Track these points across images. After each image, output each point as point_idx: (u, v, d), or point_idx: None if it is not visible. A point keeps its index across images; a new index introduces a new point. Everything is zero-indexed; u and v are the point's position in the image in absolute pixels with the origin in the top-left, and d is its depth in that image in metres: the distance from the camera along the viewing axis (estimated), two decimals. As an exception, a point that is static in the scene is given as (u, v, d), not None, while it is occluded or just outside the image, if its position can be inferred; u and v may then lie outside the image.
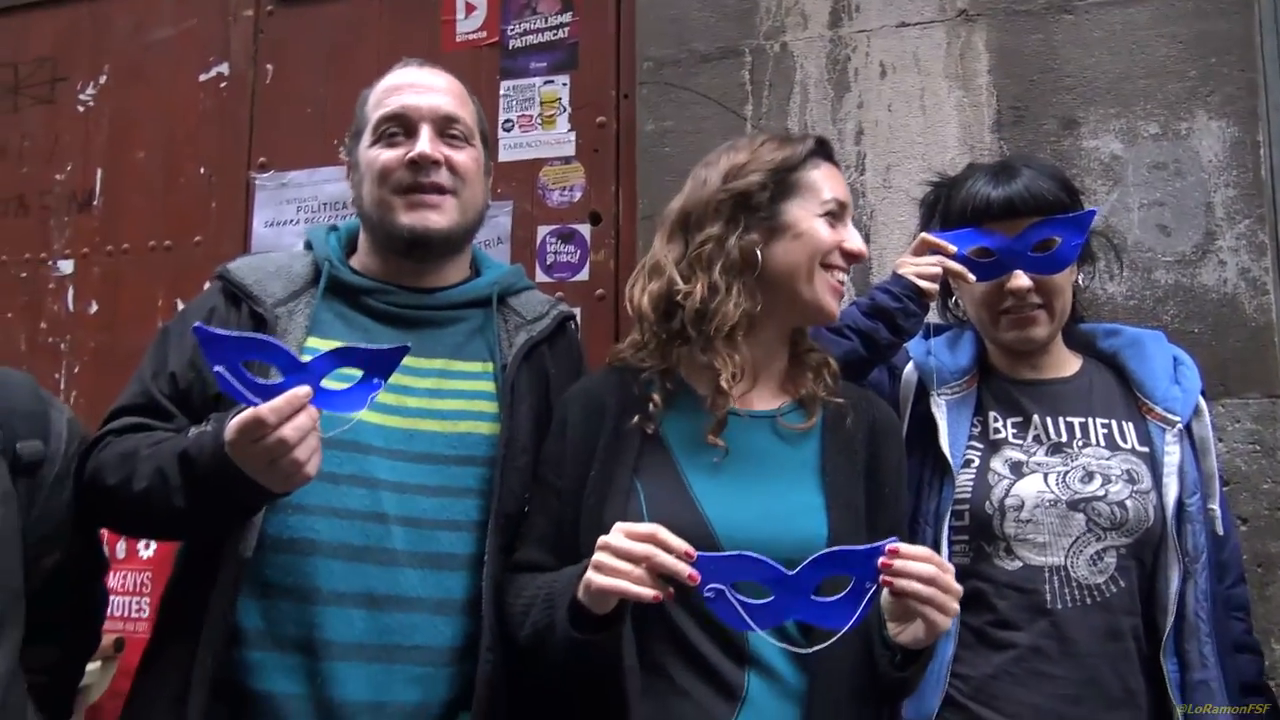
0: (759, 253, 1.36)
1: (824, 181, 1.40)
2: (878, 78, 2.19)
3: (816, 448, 1.36)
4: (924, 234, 1.62)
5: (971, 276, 1.56)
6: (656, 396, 1.36)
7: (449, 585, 1.38)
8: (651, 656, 1.26)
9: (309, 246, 1.55)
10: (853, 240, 1.41)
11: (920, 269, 1.58)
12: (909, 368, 1.65)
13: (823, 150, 1.43)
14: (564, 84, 2.48)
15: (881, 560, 1.13)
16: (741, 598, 1.14)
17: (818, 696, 1.24)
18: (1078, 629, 1.44)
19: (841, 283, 1.40)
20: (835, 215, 1.40)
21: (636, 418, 1.35)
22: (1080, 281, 1.69)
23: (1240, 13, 1.99)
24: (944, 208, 1.64)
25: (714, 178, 1.40)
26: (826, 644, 1.16)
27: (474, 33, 2.58)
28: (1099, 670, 1.44)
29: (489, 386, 1.47)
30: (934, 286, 1.58)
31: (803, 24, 2.26)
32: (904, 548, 1.14)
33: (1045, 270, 1.53)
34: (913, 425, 1.58)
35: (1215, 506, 1.53)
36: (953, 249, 1.56)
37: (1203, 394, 1.58)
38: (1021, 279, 1.53)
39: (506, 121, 2.50)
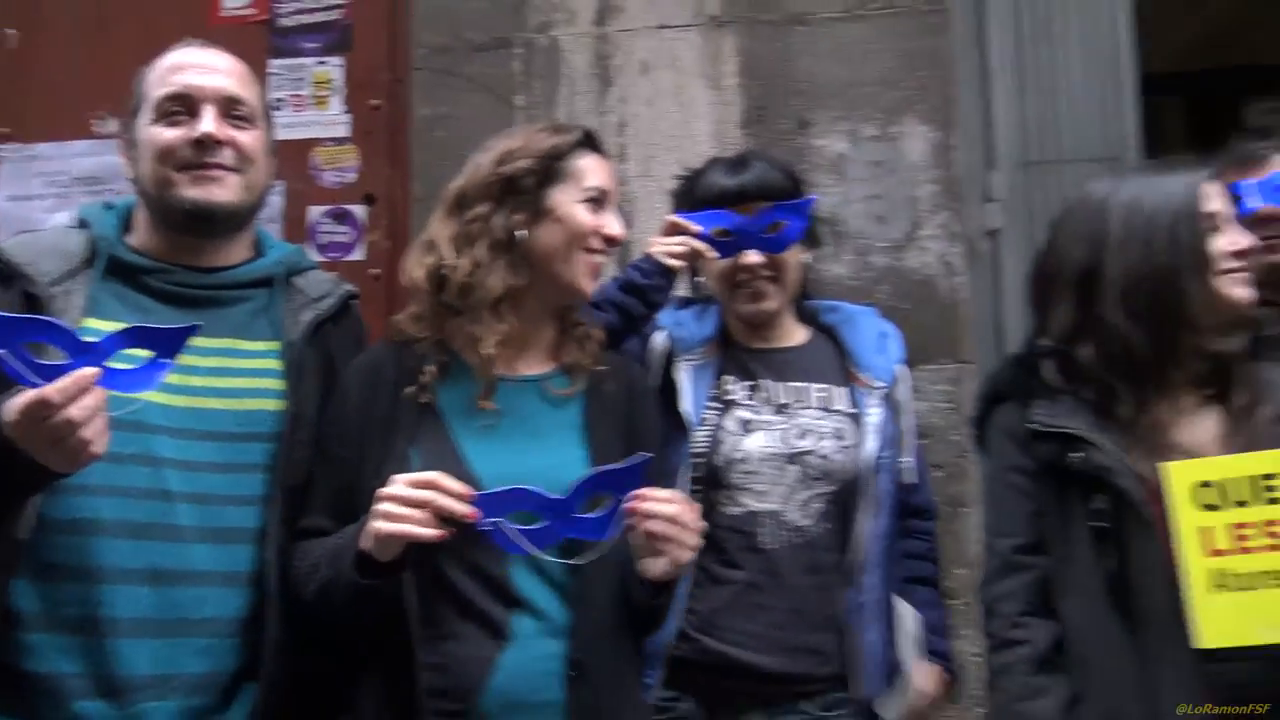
0: (523, 233, 1.48)
1: (588, 170, 1.52)
2: (638, 75, 2.40)
3: (580, 409, 1.50)
4: (670, 216, 1.79)
5: (714, 253, 1.74)
6: (431, 367, 1.47)
7: (237, 558, 1.42)
8: (427, 609, 1.38)
9: (83, 224, 1.53)
10: (612, 226, 1.53)
11: (668, 248, 1.74)
12: (660, 335, 1.81)
13: (589, 141, 1.56)
14: (338, 65, 2.52)
15: (628, 505, 1.31)
16: (515, 526, 1.29)
17: (580, 630, 1.39)
18: (788, 565, 1.66)
19: (599, 264, 1.54)
20: (597, 202, 1.52)
21: (411, 388, 1.46)
22: (808, 261, 1.94)
23: (943, 34, 2.32)
24: (690, 195, 1.83)
25: (487, 161, 1.51)
26: (590, 557, 1.32)
27: (242, 9, 2.58)
28: (805, 599, 1.66)
29: (275, 364, 1.51)
30: (679, 264, 1.75)
31: (570, 20, 2.42)
32: (650, 491, 1.32)
33: (773, 249, 1.73)
34: (660, 387, 1.75)
35: (909, 459, 1.78)
36: (697, 229, 1.74)
37: (905, 363, 1.85)
38: (753, 256, 1.73)
39: (276, 100, 2.51)
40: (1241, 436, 1.42)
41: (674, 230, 1.77)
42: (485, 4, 2.45)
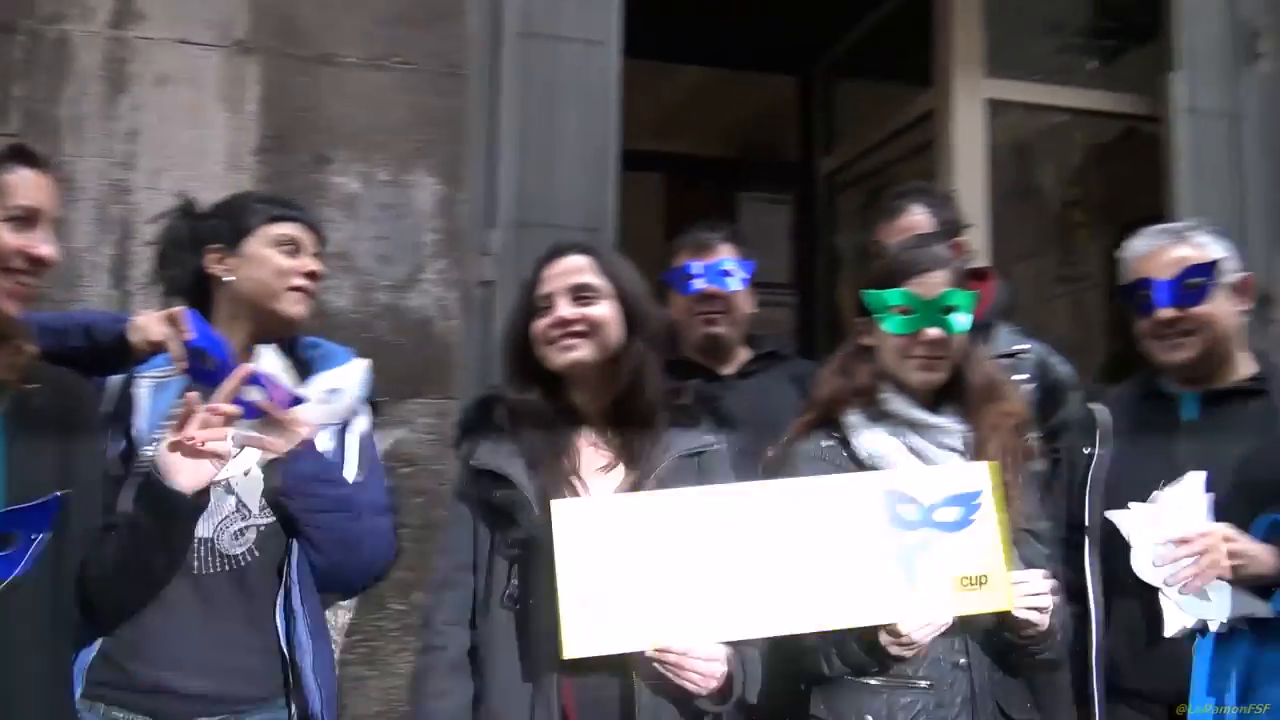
0: None
1: (13, 187, 1.49)
2: (154, 85, 2.38)
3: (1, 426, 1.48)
4: (176, 311, 1.75)
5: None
6: None
7: None
8: None
9: None
10: (37, 246, 1.50)
11: (145, 333, 1.73)
12: None
13: (21, 157, 1.51)
14: None
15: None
16: None
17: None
18: (218, 591, 1.72)
19: (24, 285, 1.50)
20: (22, 221, 1.49)
21: None
22: None
23: (459, 97, 2.55)
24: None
25: None
26: None
27: None
28: (230, 620, 1.71)
29: None
30: (144, 348, 1.73)
31: (85, 16, 2.36)
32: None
33: None
34: (121, 402, 1.75)
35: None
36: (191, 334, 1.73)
37: (376, 403, 1.96)
38: None
39: None
40: (636, 486, 1.75)
41: (170, 322, 1.73)
42: (-10, -18, 2.31)
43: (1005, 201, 3.95)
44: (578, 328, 1.76)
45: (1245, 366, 2.12)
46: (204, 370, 1.66)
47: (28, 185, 1.50)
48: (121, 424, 1.75)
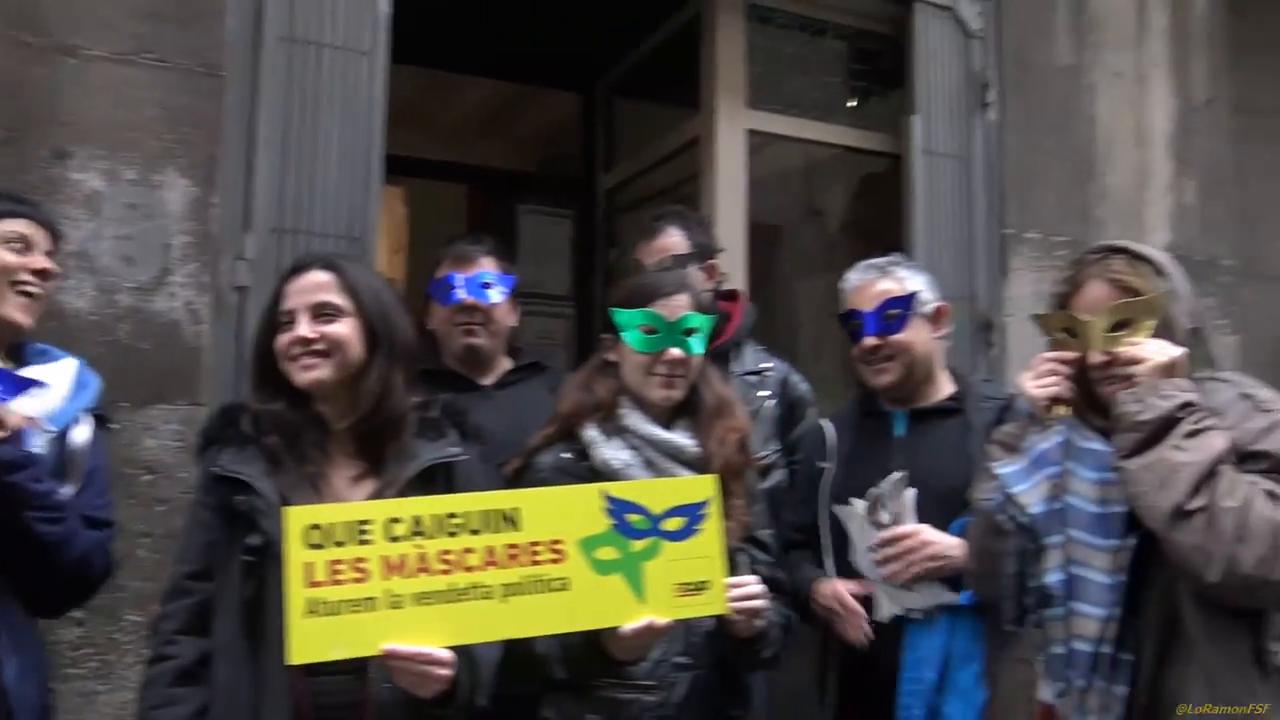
0: None
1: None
2: None
3: None
4: None
5: None
6: None
7: None
8: None
9: None
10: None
11: None
12: None
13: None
14: None
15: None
16: None
17: None
18: None
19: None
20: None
21: None
22: None
23: (215, 98, 2.50)
24: None
25: None
26: None
27: None
28: None
29: None
30: None
31: None
32: None
33: None
34: None
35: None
36: None
37: (100, 417, 1.94)
38: None
39: None
40: (381, 495, 1.78)
41: None
42: None
43: (788, 224, 4.23)
44: (318, 346, 1.79)
45: (946, 387, 2.37)
46: None
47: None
48: None
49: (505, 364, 2.64)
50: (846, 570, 2.29)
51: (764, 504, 2.21)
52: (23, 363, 1.89)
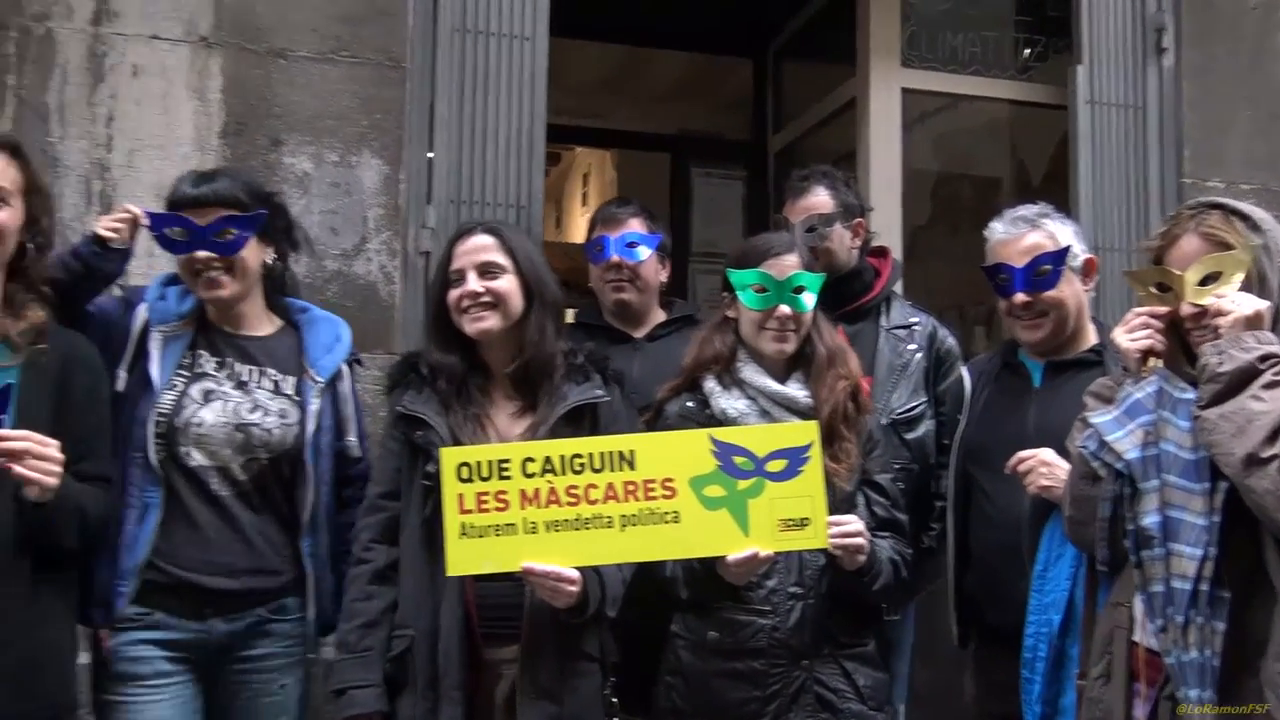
0: None
1: None
2: (130, 76, 2.70)
3: (17, 373, 1.83)
4: (128, 206, 2.14)
5: (146, 220, 2.10)
6: None
7: None
8: None
9: None
10: None
11: (107, 224, 2.09)
12: (142, 307, 2.13)
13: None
14: None
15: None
16: None
17: None
18: (234, 510, 2.09)
19: None
20: None
21: None
22: (269, 263, 2.24)
23: (399, 87, 2.86)
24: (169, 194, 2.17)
25: None
26: None
27: None
28: (249, 536, 2.09)
29: None
30: (112, 236, 2.08)
31: (67, 15, 2.68)
32: (11, 432, 1.72)
33: (221, 251, 2.08)
34: (139, 351, 2.10)
35: (353, 439, 2.26)
36: (138, 212, 2.09)
37: (355, 362, 2.30)
38: (203, 254, 2.07)
39: None
40: (531, 435, 2.07)
41: (123, 213, 2.11)
42: (-16, -16, 2.63)
43: (949, 180, 4.23)
44: (485, 299, 2.09)
45: (1089, 338, 2.36)
46: None
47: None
48: (141, 369, 2.09)
49: (657, 317, 2.86)
50: (979, 526, 2.38)
51: (884, 450, 2.32)
52: (287, 319, 2.27)
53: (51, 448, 1.77)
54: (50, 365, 1.90)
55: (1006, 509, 2.28)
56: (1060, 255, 2.29)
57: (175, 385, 2.10)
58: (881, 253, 2.98)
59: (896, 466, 2.46)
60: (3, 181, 1.88)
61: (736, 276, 2.23)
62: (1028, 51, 3.76)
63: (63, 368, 1.92)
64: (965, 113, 3.91)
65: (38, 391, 1.86)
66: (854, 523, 2.05)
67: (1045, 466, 2.14)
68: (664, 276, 2.87)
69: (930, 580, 2.67)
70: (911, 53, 3.58)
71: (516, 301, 2.11)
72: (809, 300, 2.21)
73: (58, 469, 1.77)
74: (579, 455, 1.94)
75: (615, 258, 2.76)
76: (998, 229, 2.40)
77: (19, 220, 1.91)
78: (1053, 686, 2.15)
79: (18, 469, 1.72)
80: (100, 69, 2.68)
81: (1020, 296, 2.30)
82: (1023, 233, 2.35)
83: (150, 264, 2.37)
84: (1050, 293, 2.29)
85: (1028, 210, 2.39)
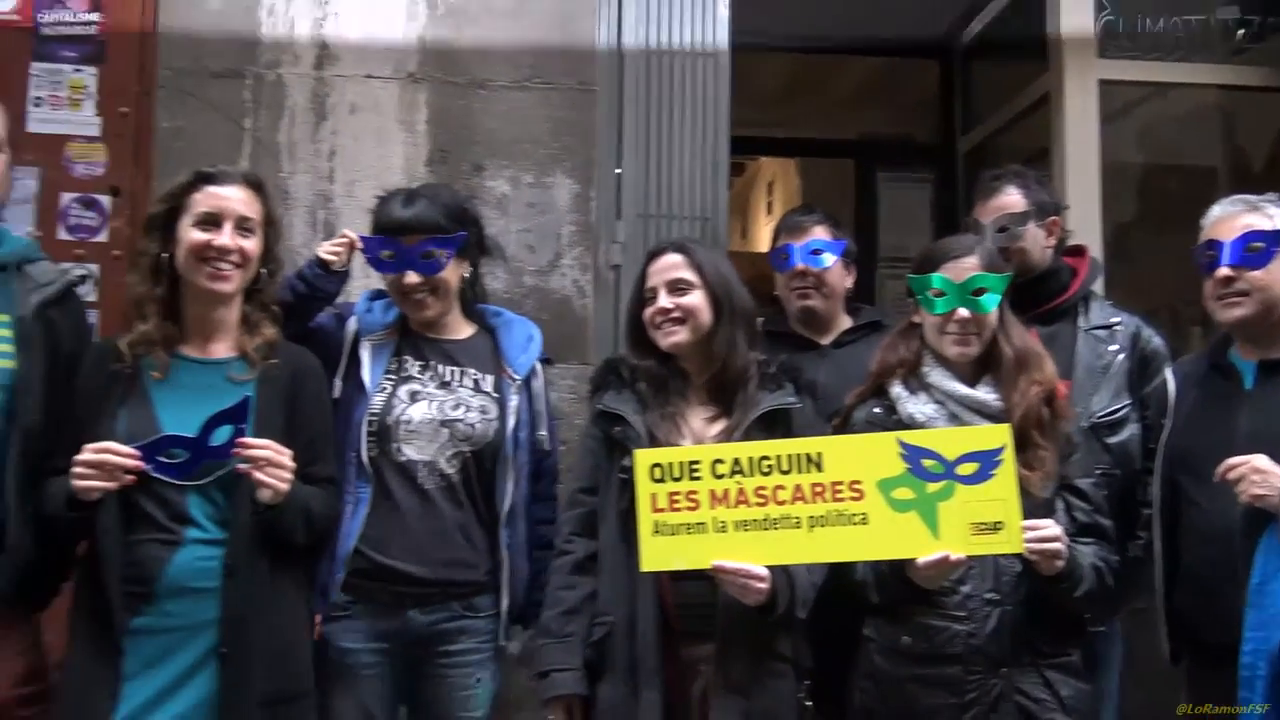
0: (166, 256, 2.06)
1: (200, 200, 2.06)
2: (348, 113, 2.96)
3: (253, 390, 2.05)
4: (345, 231, 2.37)
5: (359, 244, 2.32)
6: (124, 348, 2.01)
7: None
8: (125, 525, 1.94)
9: None
10: (220, 239, 2.03)
11: (329, 249, 2.32)
12: (352, 320, 2.35)
13: (204, 178, 2.08)
14: (92, 74, 2.94)
15: (235, 450, 1.92)
16: (166, 460, 1.91)
17: (232, 544, 1.97)
18: (439, 501, 2.24)
19: (220, 270, 2.03)
20: (208, 222, 2.04)
21: (118, 366, 2.01)
22: (466, 276, 2.41)
23: (589, 110, 3.01)
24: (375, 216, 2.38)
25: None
26: (219, 473, 1.96)
27: (7, 13, 2.96)
28: (450, 527, 2.25)
29: (8, 333, 2.03)
30: (334, 259, 2.30)
31: (295, 62, 2.95)
32: (252, 440, 1.93)
33: (425, 271, 2.27)
34: (351, 360, 2.31)
35: (544, 433, 2.42)
36: (354, 237, 2.31)
37: (545, 361, 2.46)
38: (411, 277, 2.27)
39: (36, 99, 2.93)
40: (725, 438, 2.14)
41: (343, 239, 2.34)
42: (224, 38, 2.94)
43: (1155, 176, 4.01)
44: (675, 314, 2.19)
45: None
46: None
47: (213, 197, 2.06)
48: (354, 375, 2.30)
49: (844, 323, 2.85)
50: (1188, 536, 2.27)
51: (1083, 454, 2.24)
52: (481, 323, 2.45)
53: (286, 456, 1.96)
54: (281, 378, 2.09)
55: (1217, 519, 2.16)
56: (1274, 235, 2.16)
57: (384, 388, 2.29)
58: (1078, 251, 2.87)
59: (1098, 472, 2.36)
60: (250, 214, 2.09)
61: (916, 281, 2.22)
62: (1241, 32, 3.52)
63: (292, 380, 2.12)
64: (1171, 101, 3.71)
65: (272, 402, 2.06)
66: (1051, 527, 2.00)
67: (1259, 474, 2.03)
68: (849, 282, 2.86)
69: (1138, 594, 2.55)
70: (1109, 42, 3.43)
71: (705, 315, 2.20)
72: (990, 301, 2.17)
73: (289, 475, 1.96)
74: (767, 457, 1.98)
75: (800, 265, 2.77)
76: (1214, 210, 2.31)
77: (260, 249, 2.12)
78: (1276, 707, 2.03)
79: (257, 475, 1.92)
80: (323, 108, 2.95)
81: (1223, 270, 2.19)
82: (1239, 211, 2.24)
83: (366, 284, 2.58)
84: (1259, 272, 2.16)
85: (1250, 195, 2.29)
